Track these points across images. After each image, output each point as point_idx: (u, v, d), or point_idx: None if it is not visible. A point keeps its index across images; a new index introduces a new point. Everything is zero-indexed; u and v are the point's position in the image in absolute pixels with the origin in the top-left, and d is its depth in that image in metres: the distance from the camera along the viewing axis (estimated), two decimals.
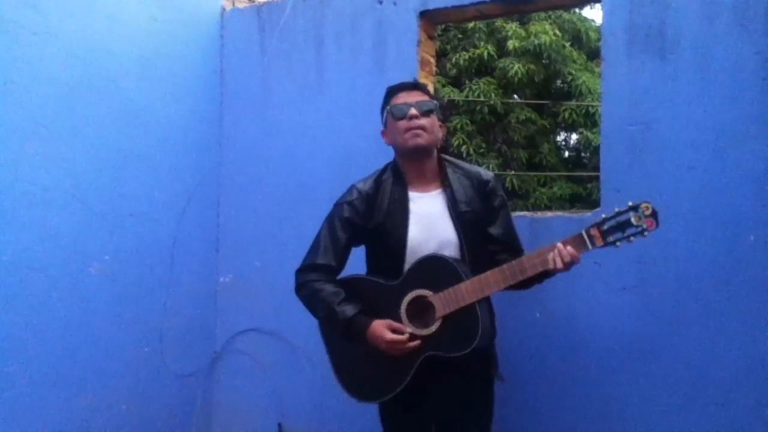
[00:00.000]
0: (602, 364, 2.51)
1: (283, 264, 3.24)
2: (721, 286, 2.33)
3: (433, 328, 2.02)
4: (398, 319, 2.04)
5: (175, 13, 3.23)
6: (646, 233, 1.88)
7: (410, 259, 2.08)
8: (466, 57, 11.40)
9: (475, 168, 2.22)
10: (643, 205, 1.88)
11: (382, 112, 2.23)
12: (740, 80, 2.34)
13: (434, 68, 3.15)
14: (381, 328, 2.02)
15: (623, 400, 2.46)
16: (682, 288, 2.38)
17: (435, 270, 2.02)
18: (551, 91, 12.15)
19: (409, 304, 2.04)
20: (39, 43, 2.64)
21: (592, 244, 1.92)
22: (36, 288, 2.61)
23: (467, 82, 11.44)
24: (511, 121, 11.60)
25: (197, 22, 3.35)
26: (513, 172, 11.39)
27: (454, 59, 11.49)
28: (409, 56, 2.97)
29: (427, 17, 2.99)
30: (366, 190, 2.18)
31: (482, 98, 11.19)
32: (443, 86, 11.11)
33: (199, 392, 3.33)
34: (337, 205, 2.21)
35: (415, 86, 2.20)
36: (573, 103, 11.57)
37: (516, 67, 10.98)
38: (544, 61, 11.34)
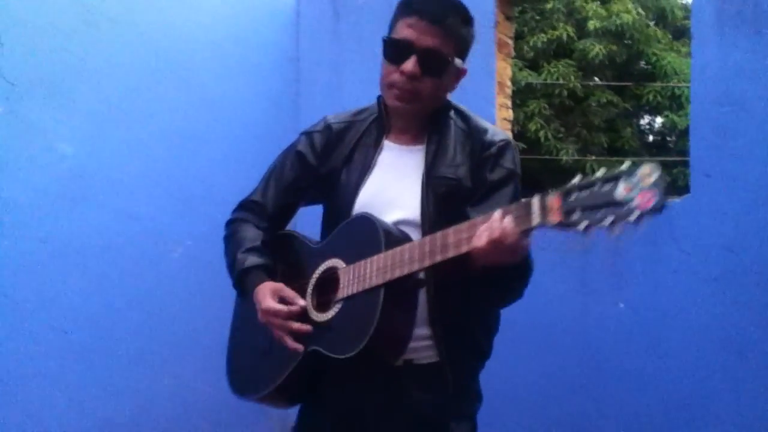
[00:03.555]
0: (689, 359, 2.40)
1: None
2: None
3: (330, 313, 1.41)
4: (304, 291, 1.48)
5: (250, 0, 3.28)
6: (634, 216, 1.03)
7: None
8: (544, 39, 11.13)
9: (486, 125, 1.57)
10: (643, 170, 1.06)
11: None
12: None
13: (512, 50, 3.06)
14: (266, 290, 1.49)
15: (711, 396, 2.35)
16: None
17: (359, 235, 1.44)
18: (634, 73, 11.72)
19: (324, 274, 1.48)
20: (117, 30, 2.72)
21: (543, 218, 1.15)
22: (121, 270, 2.72)
23: (545, 64, 11.18)
24: (591, 104, 11.28)
25: (273, 8, 3.39)
26: (593, 157, 11.07)
27: (531, 41, 11.24)
28: (485, 38, 2.90)
29: None
30: (334, 123, 1.64)
31: (561, 81, 10.91)
32: (520, 69, 10.88)
33: None
34: (295, 141, 1.68)
35: (440, 20, 1.44)
36: (657, 84, 11.13)
37: (596, 49, 10.65)
38: (626, 41, 10.94)
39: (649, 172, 1.05)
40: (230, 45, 3.17)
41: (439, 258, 1.28)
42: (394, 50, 1.47)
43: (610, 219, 1.05)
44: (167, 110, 2.91)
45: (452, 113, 1.57)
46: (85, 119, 2.63)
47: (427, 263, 1.30)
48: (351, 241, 1.45)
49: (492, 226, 1.21)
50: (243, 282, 1.57)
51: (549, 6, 11.23)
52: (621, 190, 1.06)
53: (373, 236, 1.39)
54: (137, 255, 2.77)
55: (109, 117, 2.69)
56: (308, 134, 1.65)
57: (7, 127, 2.46)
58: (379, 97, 1.59)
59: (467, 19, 1.53)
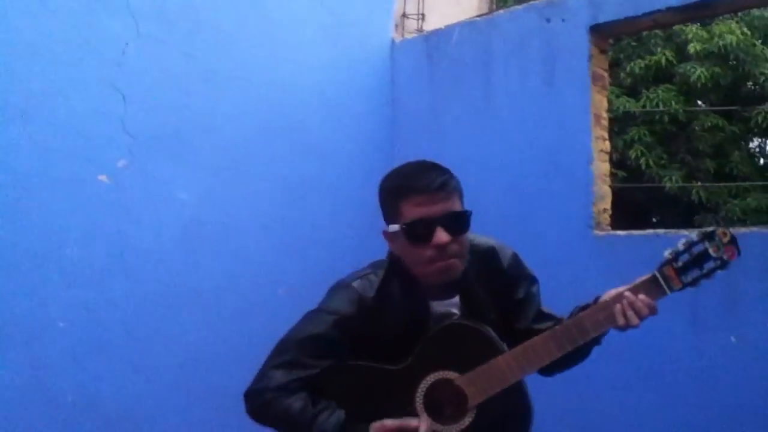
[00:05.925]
0: None
1: None
2: None
3: (467, 421, 1.50)
4: (412, 414, 1.50)
5: (349, 50, 3.44)
6: (727, 266, 1.49)
7: None
8: (642, 65, 10.82)
9: (485, 244, 1.65)
10: (720, 232, 1.50)
11: (384, 206, 1.59)
12: None
13: (607, 83, 3.06)
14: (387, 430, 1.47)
15: None
16: None
17: (458, 343, 1.53)
18: (741, 95, 11.18)
19: (432, 391, 1.52)
20: (235, 87, 2.94)
21: (669, 287, 1.50)
22: (233, 309, 2.88)
23: (644, 90, 10.87)
24: (696, 129, 10.83)
25: (369, 56, 3.53)
26: (699, 184, 10.60)
27: (628, 68, 10.97)
28: (580, 72, 2.92)
29: (598, 31, 2.92)
30: (366, 297, 1.59)
31: (661, 107, 10.57)
32: (617, 97, 10.64)
33: None
34: (324, 321, 1.60)
35: (442, 186, 1.52)
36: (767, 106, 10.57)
37: (699, 72, 10.24)
38: (731, 62, 10.48)
39: (724, 233, 1.49)
40: (332, 94, 3.38)
41: (580, 342, 1.50)
42: (417, 232, 1.50)
43: (712, 273, 1.48)
44: (277, 159, 3.11)
45: None
46: (202, 170, 2.84)
47: (568, 348, 1.50)
48: (451, 351, 1.52)
49: (634, 304, 1.48)
50: None
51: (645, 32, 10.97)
52: (711, 250, 1.48)
53: (480, 339, 1.53)
54: (248, 294, 2.93)
55: (223, 167, 2.89)
56: (341, 323, 1.57)
57: (131, 179, 2.69)
58: (396, 261, 1.60)
59: (452, 173, 1.59)
